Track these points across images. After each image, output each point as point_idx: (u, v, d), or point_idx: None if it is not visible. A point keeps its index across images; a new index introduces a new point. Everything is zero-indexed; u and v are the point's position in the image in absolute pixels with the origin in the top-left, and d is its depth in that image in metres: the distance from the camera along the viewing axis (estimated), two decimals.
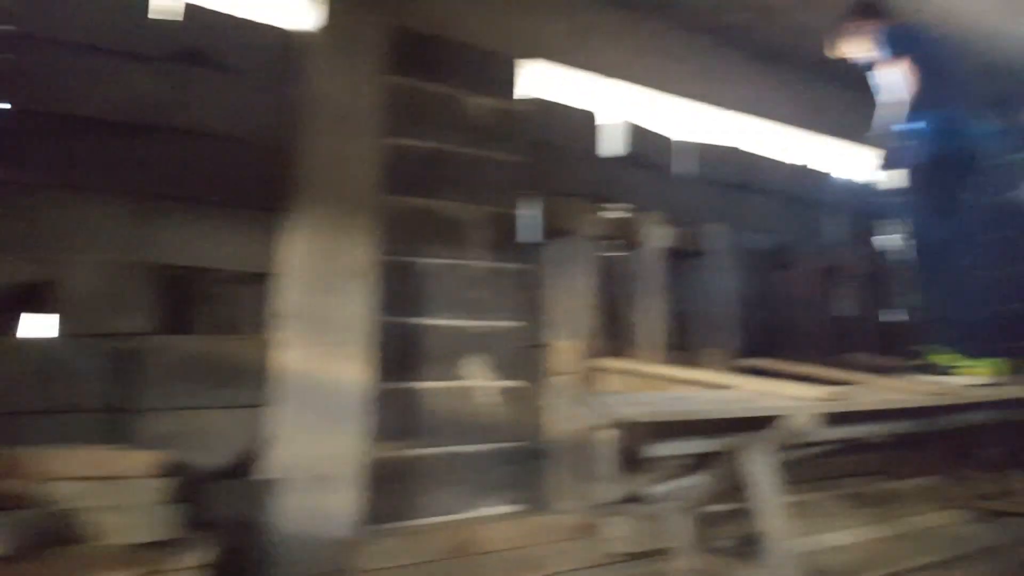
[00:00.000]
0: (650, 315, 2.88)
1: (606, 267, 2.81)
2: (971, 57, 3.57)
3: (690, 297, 3.13)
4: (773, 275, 3.57)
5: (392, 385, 2.28)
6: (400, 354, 2.34)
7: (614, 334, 2.77)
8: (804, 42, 3.55)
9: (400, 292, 2.38)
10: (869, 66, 2.93)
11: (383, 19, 2.38)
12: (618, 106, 3.26)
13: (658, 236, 2.95)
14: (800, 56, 3.70)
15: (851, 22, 2.91)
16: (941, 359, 2.47)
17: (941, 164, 2.63)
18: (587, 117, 3.09)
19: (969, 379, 2.37)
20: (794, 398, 1.89)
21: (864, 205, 3.96)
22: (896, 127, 2.73)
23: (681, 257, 3.13)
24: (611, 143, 3.15)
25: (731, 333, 3.04)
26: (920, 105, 2.63)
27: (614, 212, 2.99)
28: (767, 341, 3.40)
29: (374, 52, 2.35)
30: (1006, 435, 3.03)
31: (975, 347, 2.48)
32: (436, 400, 2.38)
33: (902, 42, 2.72)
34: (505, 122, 2.72)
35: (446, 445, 2.37)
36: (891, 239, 3.90)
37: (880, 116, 2.84)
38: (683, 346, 3.01)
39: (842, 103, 4.04)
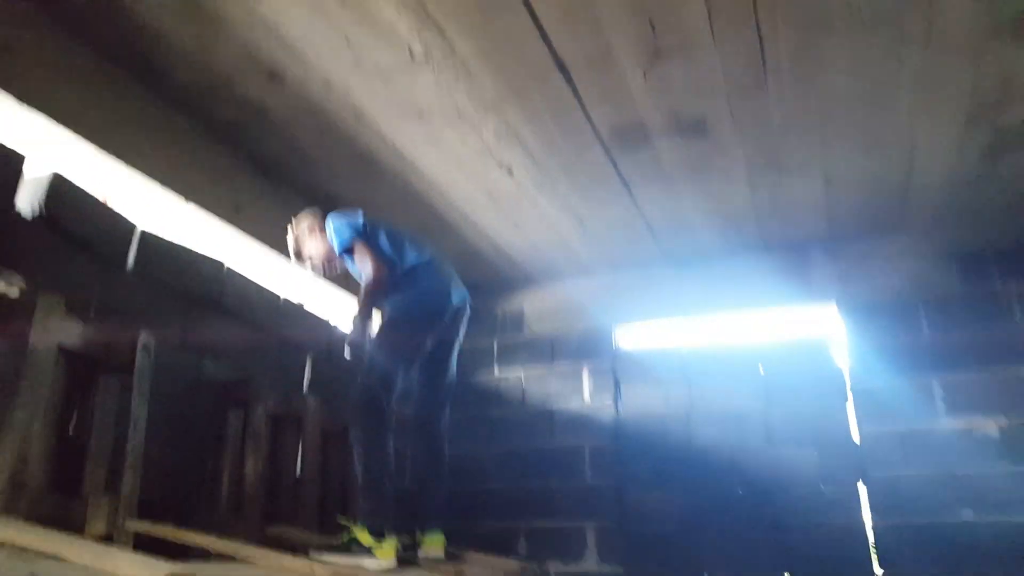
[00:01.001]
0: None
1: None
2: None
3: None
4: (218, 413, 3.07)
5: None
6: None
7: None
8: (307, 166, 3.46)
9: None
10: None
11: None
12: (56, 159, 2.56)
13: (59, 330, 2.21)
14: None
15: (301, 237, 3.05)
16: (363, 537, 2.27)
17: (411, 319, 2.64)
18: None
19: (382, 562, 2.20)
20: None
21: (335, 355, 3.87)
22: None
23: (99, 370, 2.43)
24: (33, 200, 2.40)
25: (135, 476, 2.37)
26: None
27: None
28: (184, 498, 2.82)
29: None
30: None
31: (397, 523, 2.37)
32: None
33: (348, 231, 2.79)
34: None
35: None
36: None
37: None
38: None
39: None
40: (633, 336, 4.57)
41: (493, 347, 4.82)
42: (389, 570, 2.20)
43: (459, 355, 3.00)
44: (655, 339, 4.48)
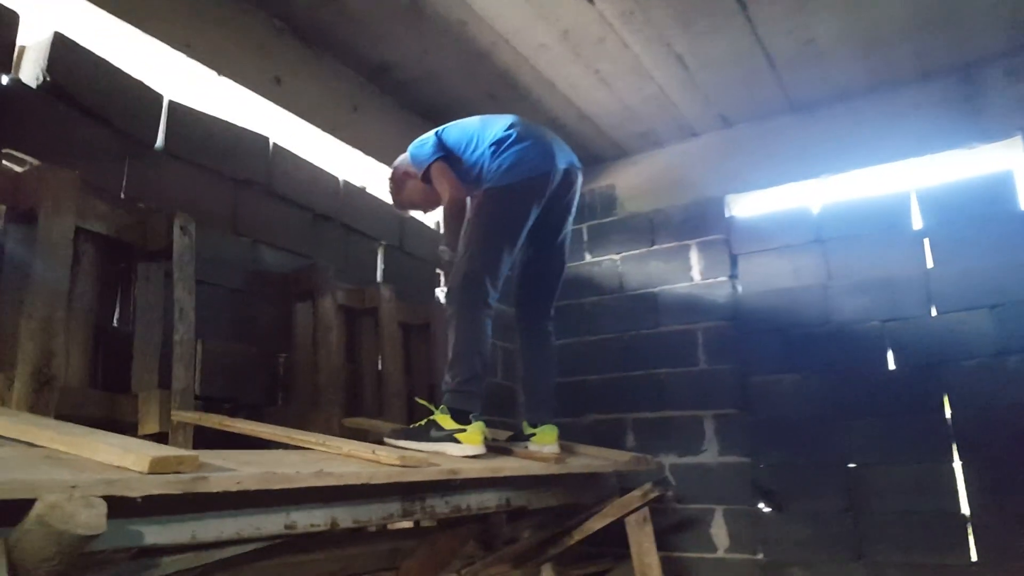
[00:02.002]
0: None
1: None
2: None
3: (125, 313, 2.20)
4: (284, 306, 2.84)
5: None
6: None
7: None
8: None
9: None
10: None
11: None
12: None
13: (78, 211, 1.96)
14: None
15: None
16: (444, 420, 1.97)
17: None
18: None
19: (467, 447, 1.90)
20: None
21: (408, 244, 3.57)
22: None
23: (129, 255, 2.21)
24: (33, 68, 2.12)
25: (187, 369, 2.15)
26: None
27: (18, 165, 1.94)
28: (256, 396, 2.62)
29: None
30: (541, 519, 2.71)
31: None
32: None
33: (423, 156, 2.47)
34: None
35: None
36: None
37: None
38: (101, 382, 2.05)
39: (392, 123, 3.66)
40: (751, 203, 4.02)
41: (583, 232, 4.39)
42: (475, 456, 1.90)
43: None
44: (779, 203, 3.91)
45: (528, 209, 2.25)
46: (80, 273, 2.03)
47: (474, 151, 2.38)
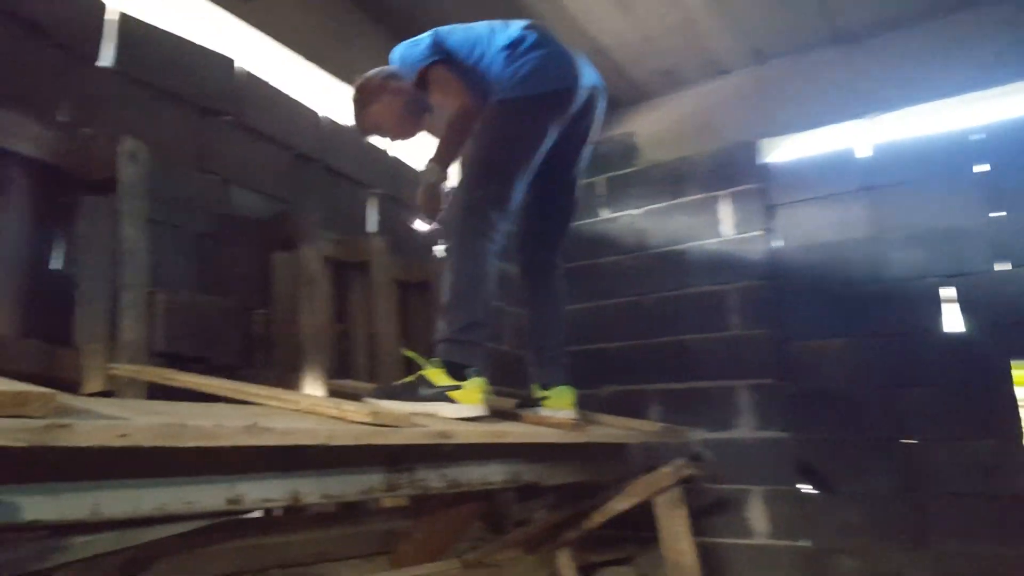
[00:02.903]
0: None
1: None
2: None
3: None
4: (261, 256, 2.55)
5: None
6: None
7: None
8: None
9: None
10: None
11: None
12: None
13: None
14: None
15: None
16: (436, 376, 1.66)
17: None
18: None
19: (462, 408, 1.59)
20: None
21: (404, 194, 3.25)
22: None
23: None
24: None
25: (137, 319, 1.86)
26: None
27: None
28: (231, 356, 2.34)
29: None
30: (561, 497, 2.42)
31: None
32: None
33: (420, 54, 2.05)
34: None
35: None
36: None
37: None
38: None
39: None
40: (789, 148, 3.68)
41: (599, 185, 4.07)
42: (473, 418, 1.59)
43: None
44: (821, 146, 3.57)
45: (546, 129, 1.92)
46: (7, 205, 1.74)
47: (481, 56, 2.02)
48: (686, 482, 2.17)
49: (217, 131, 2.48)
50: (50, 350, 1.72)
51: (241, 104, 2.58)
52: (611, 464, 2.21)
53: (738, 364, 3.42)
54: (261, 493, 1.17)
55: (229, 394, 1.34)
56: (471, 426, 1.50)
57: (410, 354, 1.86)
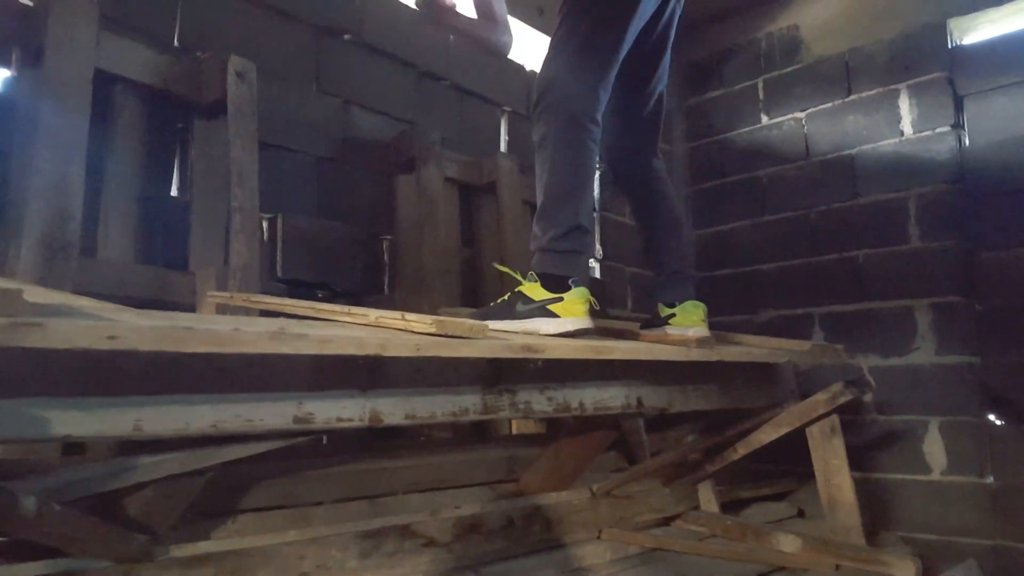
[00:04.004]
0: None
1: None
2: None
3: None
4: (385, 180, 2.46)
5: None
6: None
7: None
8: None
9: None
10: None
11: None
12: None
13: (101, 50, 1.64)
14: None
15: None
16: (533, 290, 1.46)
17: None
18: None
19: (565, 321, 1.38)
20: None
21: None
22: None
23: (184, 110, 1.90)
24: None
25: (250, 243, 1.83)
26: None
27: None
28: (355, 282, 2.30)
29: None
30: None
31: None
32: None
33: None
34: None
35: None
36: None
37: None
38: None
39: None
40: (983, 27, 3.05)
41: (757, 88, 3.62)
42: (578, 332, 1.39)
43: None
44: (1022, 21, 2.92)
45: (631, 16, 1.63)
46: (119, 131, 1.74)
47: None
48: (844, 410, 1.86)
49: (337, 50, 2.39)
50: (165, 275, 1.72)
51: (362, 22, 2.47)
52: (756, 390, 1.93)
53: (917, 281, 2.95)
54: (334, 412, 1.07)
55: (306, 312, 1.24)
56: (566, 341, 1.31)
57: (503, 268, 1.68)
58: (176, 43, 1.97)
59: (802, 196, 3.37)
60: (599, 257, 3.18)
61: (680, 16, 1.88)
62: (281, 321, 1.04)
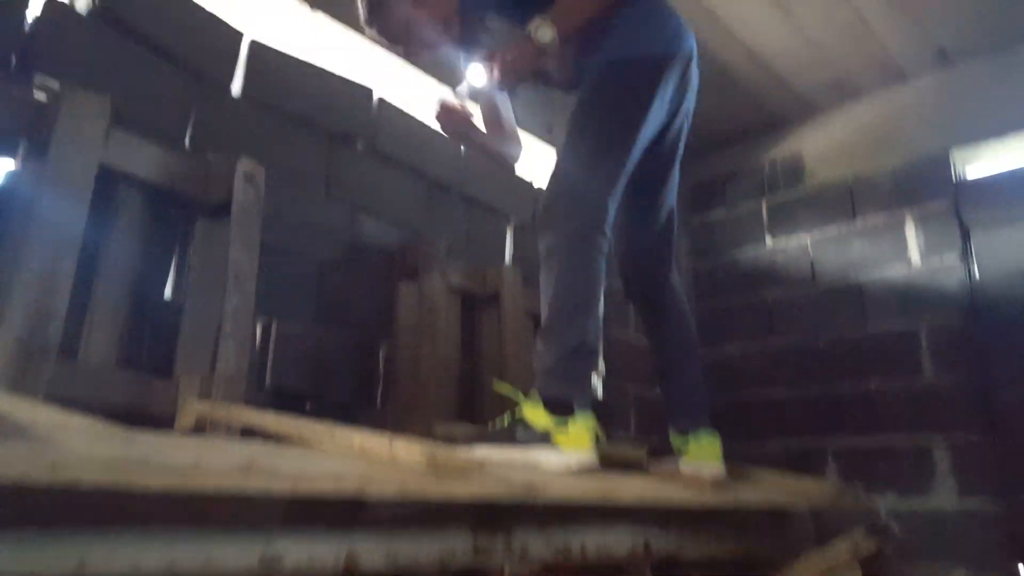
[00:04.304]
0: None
1: None
2: None
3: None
4: (387, 287, 2.40)
5: None
6: None
7: None
8: None
9: None
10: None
11: None
12: None
13: (109, 146, 1.61)
14: None
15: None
16: (535, 415, 1.35)
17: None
18: None
19: (568, 455, 1.26)
20: None
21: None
22: None
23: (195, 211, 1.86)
24: None
25: (239, 350, 1.74)
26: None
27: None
28: (350, 393, 2.19)
29: None
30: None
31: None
32: None
33: None
34: None
35: None
36: None
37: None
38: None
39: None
40: (987, 160, 3.08)
41: (760, 210, 3.64)
42: (581, 470, 1.28)
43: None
44: None
45: (650, 103, 1.60)
46: (119, 228, 1.69)
47: None
48: (868, 561, 1.70)
49: (348, 157, 2.39)
50: (147, 381, 1.63)
51: (375, 131, 2.49)
52: (773, 533, 1.79)
53: (934, 416, 2.83)
54: (306, 552, 0.94)
55: (288, 431, 1.14)
56: (570, 480, 1.20)
57: (504, 388, 1.58)
58: (188, 143, 1.96)
59: (810, 321, 3.31)
60: (601, 374, 3.08)
61: (688, 132, 1.88)
62: (254, 449, 0.94)
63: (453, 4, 1.82)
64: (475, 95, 1.89)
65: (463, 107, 1.87)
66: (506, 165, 2.19)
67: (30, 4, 1.68)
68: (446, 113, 1.86)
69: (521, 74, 1.65)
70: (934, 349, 2.91)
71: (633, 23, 1.66)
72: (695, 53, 1.76)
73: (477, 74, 1.75)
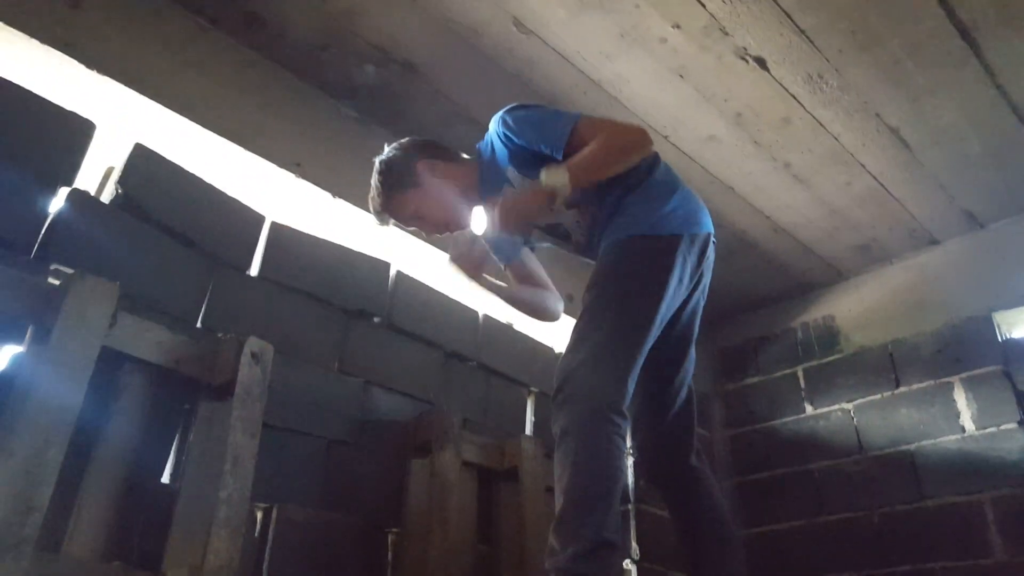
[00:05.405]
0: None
1: None
2: None
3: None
4: (399, 464, 2.30)
5: None
6: None
7: None
8: None
9: None
10: None
11: None
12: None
13: (114, 331, 1.63)
14: None
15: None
16: None
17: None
18: None
19: None
20: None
21: None
22: None
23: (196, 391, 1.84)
24: None
25: (233, 540, 1.63)
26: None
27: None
28: (342, 574, 2.04)
29: None
30: None
31: None
32: None
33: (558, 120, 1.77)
34: None
35: None
36: None
37: None
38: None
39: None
40: None
41: (797, 376, 3.51)
42: None
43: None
44: None
45: (671, 277, 1.59)
46: (118, 411, 1.67)
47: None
48: None
49: (362, 332, 2.39)
50: (127, 574, 1.53)
51: (392, 304, 2.50)
52: None
53: None
54: None
55: None
56: None
57: None
58: (200, 323, 1.98)
59: (861, 494, 3.08)
60: (635, 558, 2.85)
61: (704, 308, 1.85)
62: None
63: (473, 177, 1.89)
64: (492, 243, 1.92)
65: (477, 246, 1.88)
66: (542, 316, 2.18)
67: (57, 194, 1.77)
68: (457, 248, 1.87)
69: (526, 217, 1.65)
70: (1001, 524, 2.65)
71: (650, 200, 1.70)
72: (712, 232, 1.77)
73: (480, 218, 1.77)
